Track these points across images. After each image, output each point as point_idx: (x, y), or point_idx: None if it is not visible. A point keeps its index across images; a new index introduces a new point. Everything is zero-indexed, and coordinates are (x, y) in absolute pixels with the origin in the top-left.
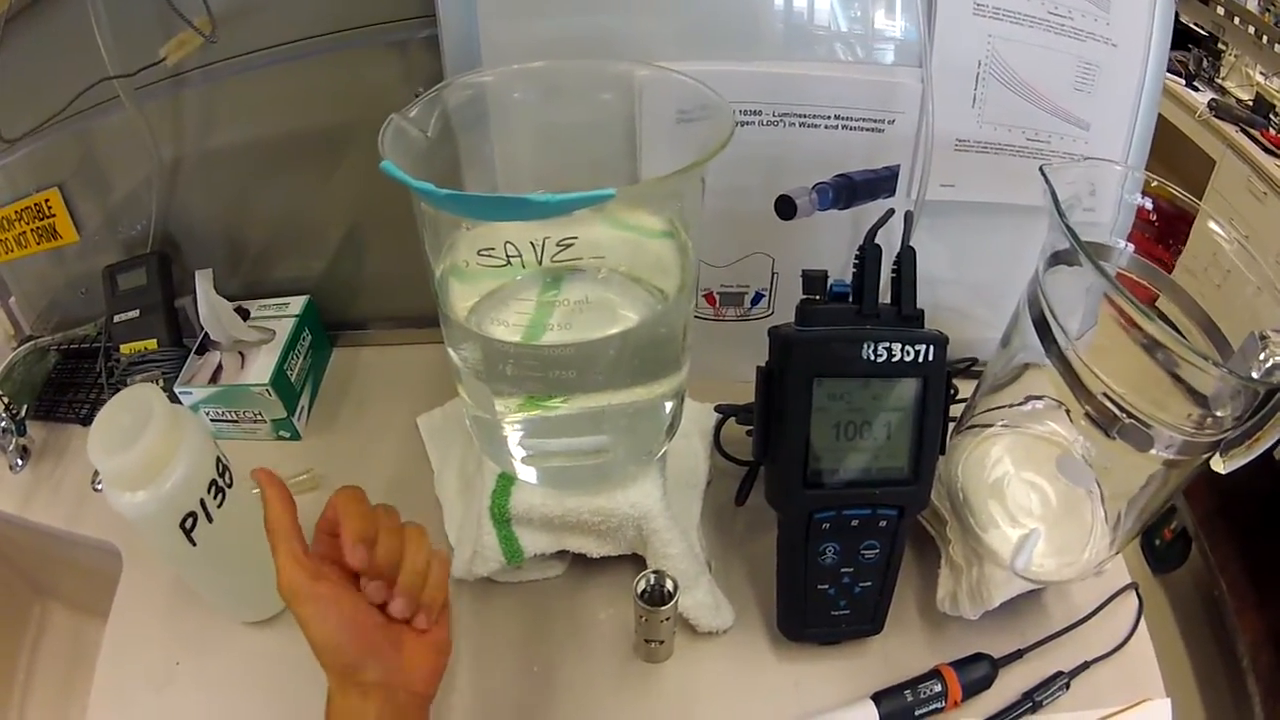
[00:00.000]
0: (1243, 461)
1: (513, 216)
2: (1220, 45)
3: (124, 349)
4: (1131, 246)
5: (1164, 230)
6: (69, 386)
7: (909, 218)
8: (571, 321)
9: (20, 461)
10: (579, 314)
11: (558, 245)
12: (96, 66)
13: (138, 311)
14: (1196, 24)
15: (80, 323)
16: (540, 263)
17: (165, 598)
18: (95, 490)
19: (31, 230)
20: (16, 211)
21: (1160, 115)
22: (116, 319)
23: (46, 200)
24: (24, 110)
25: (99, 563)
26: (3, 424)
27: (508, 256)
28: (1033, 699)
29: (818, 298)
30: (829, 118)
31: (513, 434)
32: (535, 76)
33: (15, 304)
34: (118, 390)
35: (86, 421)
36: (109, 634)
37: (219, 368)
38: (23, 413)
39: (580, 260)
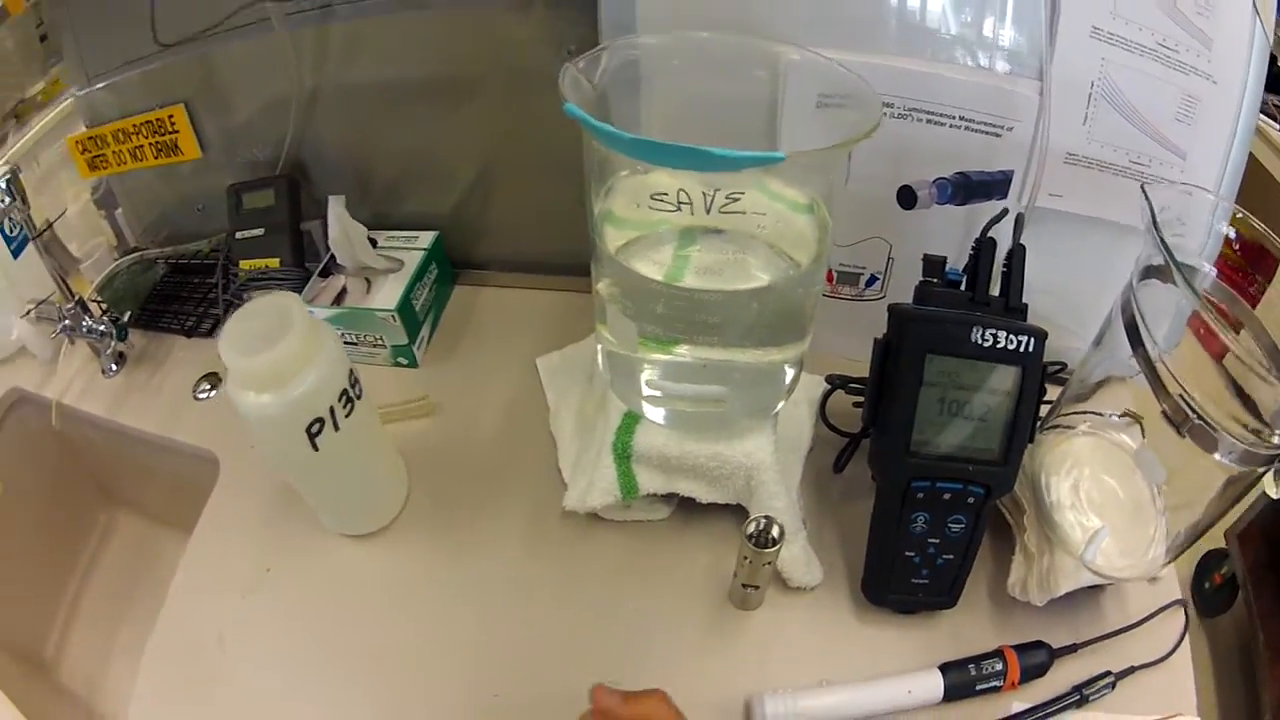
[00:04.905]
0: None
1: (692, 166)
2: None
3: (243, 265)
4: (1215, 271)
5: (1247, 263)
6: (174, 299)
7: (1020, 219)
8: (718, 270)
9: (114, 367)
10: (727, 265)
11: (726, 198)
12: None
13: (262, 230)
14: None
15: (187, 239)
16: (709, 211)
17: (260, 507)
18: (197, 399)
19: (150, 144)
20: (135, 125)
21: (1250, 153)
22: (238, 235)
23: (170, 116)
24: (178, 19)
25: (185, 470)
26: (101, 328)
27: (679, 202)
28: (1081, 692)
29: (935, 281)
30: (954, 118)
31: (648, 372)
32: (694, 45)
33: (121, 215)
34: (232, 304)
35: (190, 333)
36: (197, 536)
37: (343, 291)
38: (125, 319)
39: (744, 214)
